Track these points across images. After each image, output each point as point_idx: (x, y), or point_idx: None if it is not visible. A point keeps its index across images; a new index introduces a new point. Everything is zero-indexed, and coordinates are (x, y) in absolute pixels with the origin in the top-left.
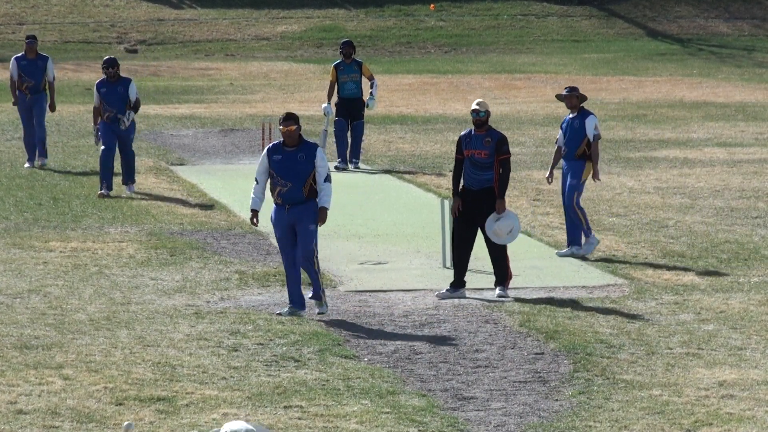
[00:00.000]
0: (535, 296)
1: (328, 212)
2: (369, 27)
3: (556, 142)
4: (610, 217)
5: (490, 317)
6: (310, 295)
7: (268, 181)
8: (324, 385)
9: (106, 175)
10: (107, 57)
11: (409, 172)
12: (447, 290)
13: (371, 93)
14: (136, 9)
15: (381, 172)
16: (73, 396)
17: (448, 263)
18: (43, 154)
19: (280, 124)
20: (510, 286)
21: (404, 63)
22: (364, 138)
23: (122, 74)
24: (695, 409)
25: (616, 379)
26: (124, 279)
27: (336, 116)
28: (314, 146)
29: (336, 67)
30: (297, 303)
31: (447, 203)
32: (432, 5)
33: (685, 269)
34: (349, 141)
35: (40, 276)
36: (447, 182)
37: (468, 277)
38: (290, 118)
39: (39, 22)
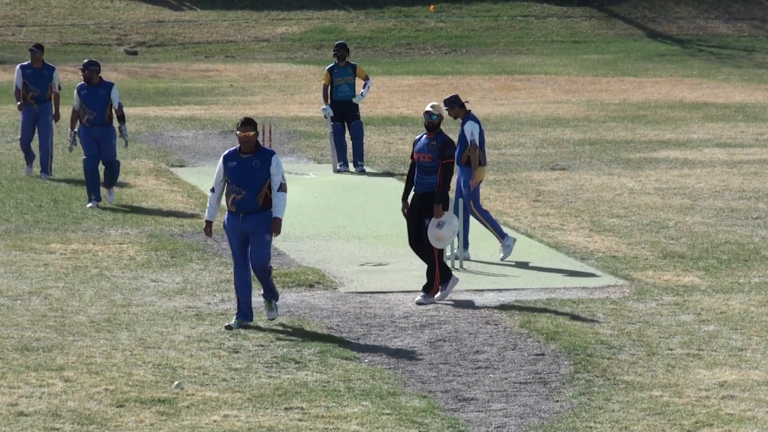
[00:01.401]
0: (535, 297)
1: (282, 222)
2: (369, 28)
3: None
4: (611, 218)
5: (490, 318)
6: (262, 293)
7: (224, 188)
8: (325, 386)
9: (93, 185)
10: (87, 59)
11: None
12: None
13: (362, 92)
14: (135, 11)
15: (381, 174)
16: (73, 398)
17: (449, 264)
18: (47, 168)
19: (237, 129)
20: (504, 287)
21: (404, 64)
22: (364, 140)
23: (125, 77)
24: (696, 410)
25: (616, 380)
26: (124, 281)
27: (331, 120)
28: (270, 153)
29: (330, 70)
30: (246, 314)
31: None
32: (432, 6)
33: (686, 270)
34: (349, 144)
35: (41, 278)
36: None
37: (468, 278)
38: (248, 124)
39: (39, 24)
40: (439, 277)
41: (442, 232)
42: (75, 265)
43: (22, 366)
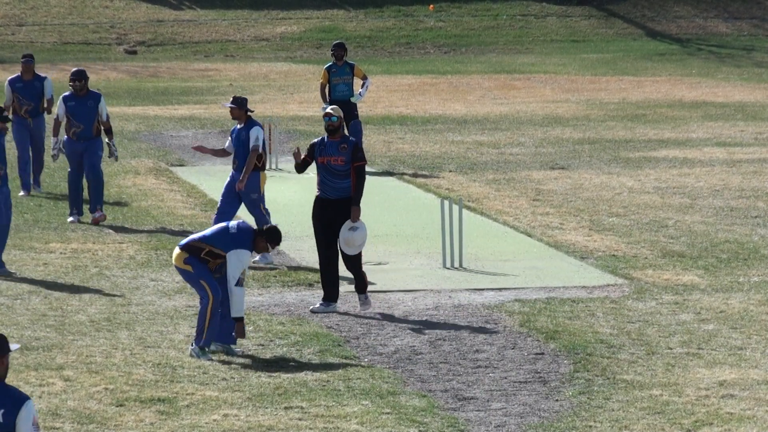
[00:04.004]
0: (534, 296)
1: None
2: (368, 27)
3: (226, 148)
4: (610, 217)
5: (490, 317)
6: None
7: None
8: (324, 385)
9: (75, 199)
10: (75, 69)
11: (409, 173)
12: (321, 305)
13: (360, 92)
14: (135, 10)
15: (381, 173)
16: (73, 397)
17: (448, 263)
18: (38, 181)
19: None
20: (504, 286)
21: (403, 63)
22: (363, 139)
23: (125, 76)
24: (695, 409)
25: (616, 379)
26: (124, 280)
27: None
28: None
29: (328, 69)
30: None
31: (447, 203)
32: (431, 6)
33: (685, 269)
34: None
35: (41, 277)
36: (447, 183)
37: (467, 277)
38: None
39: (38, 24)
40: (366, 279)
41: (354, 237)
42: (75, 265)
43: (22, 365)
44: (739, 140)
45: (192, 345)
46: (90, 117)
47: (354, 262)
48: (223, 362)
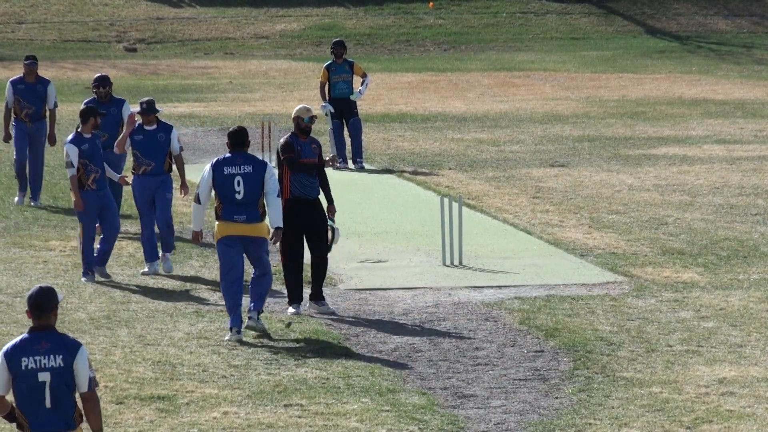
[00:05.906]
0: (534, 294)
1: None
2: (368, 25)
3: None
4: (610, 215)
5: (489, 315)
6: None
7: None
8: (324, 383)
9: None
10: (98, 75)
11: (409, 171)
12: (293, 308)
13: (360, 89)
14: (135, 8)
15: (381, 171)
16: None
17: (448, 261)
18: (37, 194)
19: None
20: (504, 283)
21: (403, 61)
22: (363, 137)
23: (125, 74)
24: (695, 407)
25: (616, 376)
26: (124, 277)
27: (331, 117)
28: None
29: (328, 67)
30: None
31: (447, 201)
32: (431, 3)
33: (685, 266)
34: (348, 140)
35: (41, 275)
36: (446, 180)
37: (467, 274)
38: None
39: (38, 21)
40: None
41: (332, 235)
42: (74, 262)
43: None
44: (739, 137)
45: (253, 314)
46: (115, 125)
47: (323, 266)
48: (223, 359)
